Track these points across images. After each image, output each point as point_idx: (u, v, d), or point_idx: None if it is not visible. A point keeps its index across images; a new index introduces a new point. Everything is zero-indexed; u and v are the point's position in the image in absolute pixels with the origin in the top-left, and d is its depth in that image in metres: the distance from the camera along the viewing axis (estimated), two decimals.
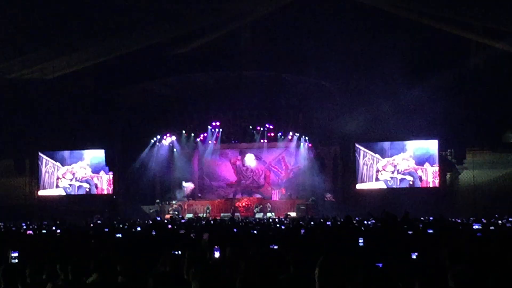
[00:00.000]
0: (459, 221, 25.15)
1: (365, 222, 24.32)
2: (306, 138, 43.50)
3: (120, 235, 13.42)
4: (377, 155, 41.07)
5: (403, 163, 40.67)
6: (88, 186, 43.62)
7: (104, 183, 43.44)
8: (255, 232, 16.92)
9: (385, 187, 40.76)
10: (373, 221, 21.21)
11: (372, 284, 5.76)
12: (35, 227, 24.54)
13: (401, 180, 40.68)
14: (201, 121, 44.38)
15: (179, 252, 8.80)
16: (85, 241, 13.86)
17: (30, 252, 9.96)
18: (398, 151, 40.82)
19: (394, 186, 40.54)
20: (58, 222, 27.24)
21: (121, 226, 26.16)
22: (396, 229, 14.75)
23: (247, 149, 45.37)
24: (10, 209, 37.65)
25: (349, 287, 5.74)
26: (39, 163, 43.84)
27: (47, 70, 37.92)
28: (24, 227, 25.33)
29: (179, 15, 35.43)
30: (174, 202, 42.60)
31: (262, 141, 44.40)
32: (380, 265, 6.70)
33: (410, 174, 40.59)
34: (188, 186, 44.32)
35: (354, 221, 22.26)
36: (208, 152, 45.76)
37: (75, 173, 43.71)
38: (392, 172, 40.81)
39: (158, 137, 44.60)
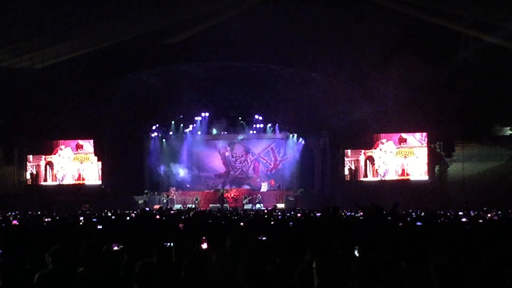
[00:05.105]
0: (448, 214, 25.21)
1: (353, 213, 24.34)
2: (295, 129, 43.54)
3: (100, 227, 13.33)
4: (366, 148, 41.16)
5: (391, 156, 40.74)
6: (77, 176, 43.49)
7: (93, 173, 43.32)
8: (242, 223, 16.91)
9: (373, 179, 40.82)
10: (361, 213, 21.21)
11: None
12: (22, 216, 24.42)
13: (390, 172, 40.75)
14: (190, 112, 44.27)
15: (171, 244, 8.78)
16: (72, 231, 13.81)
17: (14, 242, 9.88)
18: (387, 143, 40.86)
19: (383, 179, 40.61)
20: (45, 212, 27.15)
21: (109, 214, 26.15)
22: (381, 221, 14.71)
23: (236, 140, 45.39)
24: None
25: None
26: (28, 152, 43.67)
27: (36, 60, 37.75)
28: (12, 216, 25.20)
29: (169, 5, 35.29)
30: (170, 189, 42.80)
31: (251, 132, 44.43)
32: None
33: (398, 166, 40.68)
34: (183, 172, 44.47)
35: (342, 213, 22.29)
36: (197, 143, 45.75)
37: (64, 162, 43.54)
38: (381, 165, 40.87)
39: (147, 127, 44.56)
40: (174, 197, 42.46)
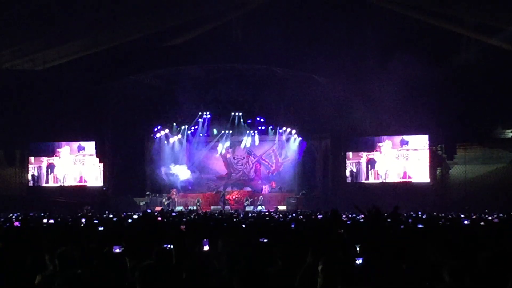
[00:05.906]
0: (450, 216, 25.16)
1: (353, 215, 24.28)
2: (297, 131, 43.45)
3: (102, 228, 13.32)
4: (367, 150, 41.14)
5: (393, 158, 40.70)
6: (78, 178, 43.50)
7: (94, 175, 43.33)
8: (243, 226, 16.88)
9: (375, 181, 40.78)
10: (361, 215, 21.16)
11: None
12: (24, 218, 24.38)
13: (391, 175, 40.71)
14: (192, 113, 44.20)
15: (171, 245, 8.75)
16: (74, 233, 13.78)
17: (16, 243, 9.87)
18: (389, 145, 40.82)
19: (384, 181, 40.56)
20: (47, 214, 27.10)
21: (111, 216, 26.10)
22: (381, 223, 14.66)
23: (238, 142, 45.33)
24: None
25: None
26: (29, 154, 43.68)
27: (38, 61, 37.78)
28: (14, 218, 25.19)
29: (171, 7, 35.32)
30: (171, 191, 42.76)
31: (253, 134, 44.32)
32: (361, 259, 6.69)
33: (400, 169, 40.63)
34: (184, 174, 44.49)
35: (343, 215, 22.22)
36: (199, 145, 45.67)
37: (66, 164, 43.54)
38: (382, 167, 40.83)
39: (149, 129, 44.51)
40: (176, 199, 42.42)
